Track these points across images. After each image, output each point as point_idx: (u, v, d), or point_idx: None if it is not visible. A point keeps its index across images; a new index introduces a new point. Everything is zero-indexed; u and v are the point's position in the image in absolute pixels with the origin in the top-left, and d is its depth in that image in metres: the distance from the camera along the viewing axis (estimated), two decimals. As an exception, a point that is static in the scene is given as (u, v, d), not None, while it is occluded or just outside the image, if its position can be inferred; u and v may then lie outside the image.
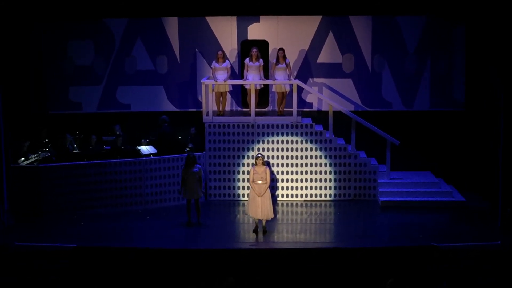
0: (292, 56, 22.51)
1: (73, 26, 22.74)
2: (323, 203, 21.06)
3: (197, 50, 22.93)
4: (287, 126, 21.18)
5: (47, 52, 22.82)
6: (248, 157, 21.18)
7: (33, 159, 20.23)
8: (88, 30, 22.83)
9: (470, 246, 16.70)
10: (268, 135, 21.22)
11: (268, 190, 18.05)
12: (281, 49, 21.44)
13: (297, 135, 21.18)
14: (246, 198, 20.24)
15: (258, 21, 22.84)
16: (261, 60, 21.49)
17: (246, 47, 22.38)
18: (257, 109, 21.46)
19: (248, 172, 18.60)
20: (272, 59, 22.26)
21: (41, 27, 22.62)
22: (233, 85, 22.05)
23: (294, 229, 19.02)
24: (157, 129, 21.92)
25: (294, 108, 21.18)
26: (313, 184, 21.25)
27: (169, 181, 20.68)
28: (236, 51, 22.89)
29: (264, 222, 18.18)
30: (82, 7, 22.30)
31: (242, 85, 22.12)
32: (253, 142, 21.24)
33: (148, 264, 16.56)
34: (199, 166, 18.96)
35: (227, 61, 21.83)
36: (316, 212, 20.36)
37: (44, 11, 22.30)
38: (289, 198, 21.32)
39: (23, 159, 20.16)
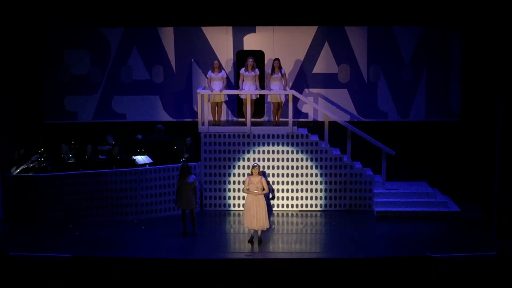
0: (288, 66, 22.54)
1: (69, 35, 22.75)
2: (318, 213, 21.05)
3: (193, 60, 22.95)
4: (282, 136, 21.19)
5: (44, 61, 22.82)
6: (243, 167, 21.17)
7: (24, 167, 20.20)
8: (84, 39, 22.84)
9: (465, 256, 16.70)
10: (263, 145, 21.22)
11: (264, 200, 18.04)
12: (277, 59, 21.46)
13: (292, 145, 21.18)
14: (241, 208, 20.23)
15: (254, 31, 22.88)
16: (256, 70, 21.52)
17: (242, 57, 22.42)
18: (252, 119, 21.48)
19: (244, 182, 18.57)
20: (267, 69, 22.27)
21: (38, 37, 22.61)
22: (228, 95, 22.07)
23: (289, 239, 18.99)
24: (152, 138, 21.89)
25: (290, 118, 21.19)
26: (309, 194, 21.24)
27: (164, 191, 20.67)
28: (232, 61, 22.91)
29: (259, 232, 18.17)
30: (78, 16, 22.33)
31: (237, 95, 22.12)
32: (248, 152, 21.24)
33: (143, 274, 16.52)
34: (194, 176, 18.95)
35: (223, 71, 21.85)
36: (311, 222, 20.34)
37: (41, 20, 22.34)
38: (285, 208, 21.31)
39: (15, 167, 20.13)
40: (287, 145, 21.19)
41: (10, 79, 20.52)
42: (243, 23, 22.66)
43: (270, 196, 20.87)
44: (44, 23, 22.56)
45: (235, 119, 22.96)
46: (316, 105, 22.45)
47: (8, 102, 19.59)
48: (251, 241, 18.16)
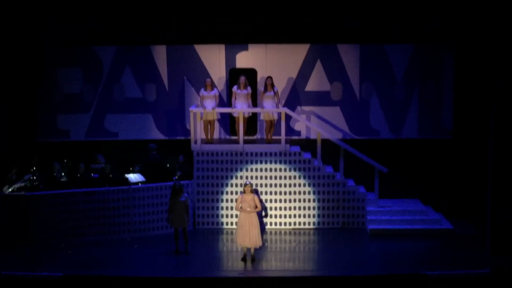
0: (280, 84, 22.57)
1: (62, 54, 22.75)
2: (311, 231, 21.02)
3: (185, 78, 22.97)
4: (275, 154, 21.18)
5: (36, 79, 22.79)
6: (236, 185, 21.14)
7: (16, 186, 20.12)
8: (76, 58, 22.84)
9: (459, 274, 16.68)
10: (256, 163, 21.21)
11: (257, 218, 18.01)
12: (269, 77, 21.50)
13: (285, 163, 21.17)
14: (234, 226, 20.19)
15: (247, 49, 22.92)
16: (249, 88, 21.54)
17: (235, 75, 22.44)
18: (245, 137, 21.47)
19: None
20: (260, 87, 22.30)
21: (30, 55, 22.59)
22: (221, 113, 22.06)
23: (282, 257, 18.96)
24: (145, 157, 21.85)
25: (283, 136, 21.19)
26: (302, 212, 21.22)
27: (157, 209, 20.61)
28: (225, 79, 22.94)
29: (252, 250, 18.13)
30: (71, 35, 22.34)
31: (230, 113, 22.12)
32: (241, 170, 21.22)
33: (136, 292, 16.49)
34: (186, 194, 18.92)
35: (215, 89, 21.86)
36: (304, 240, 20.31)
37: (33, 38, 22.34)
38: (278, 226, 21.28)
39: (7, 186, 20.06)
40: (280, 163, 21.18)
41: (2, 97, 20.51)
42: (236, 41, 22.71)
43: (263, 214, 20.83)
44: (37, 41, 22.55)
45: (227, 137, 22.96)
46: (308, 123, 22.47)
47: (0, 120, 19.57)
48: (244, 259, 18.12)
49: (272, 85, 21.43)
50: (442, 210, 21.63)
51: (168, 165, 22.07)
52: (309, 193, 21.20)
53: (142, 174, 21.09)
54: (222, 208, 21.29)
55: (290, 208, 21.23)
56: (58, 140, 22.98)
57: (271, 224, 21.26)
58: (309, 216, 21.23)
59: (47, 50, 22.71)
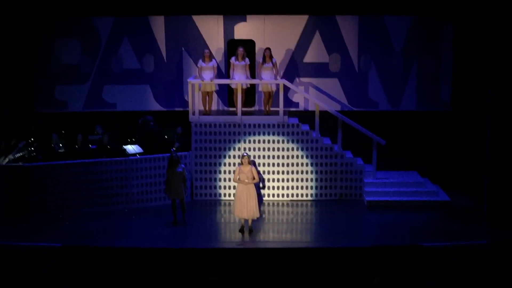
0: (279, 56, 22.50)
1: (59, 25, 22.66)
2: (309, 203, 21.06)
3: (183, 49, 22.90)
4: (273, 125, 21.16)
5: (34, 50, 22.72)
6: (234, 157, 21.15)
7: (12, 156, 20.11)
8: (74, 28, 22.76)
9: (455, 245, 16.73)
10: (254, 134, 21.20)
11: (254, 189, 18.03)
12: (268, 49, 21.42)
13: (283, 134, 21.17)
14: (232, 197, 20.21)
15: (245, 20, 22.84)
16: (247, 59, 21.47)
17: (233, 46, 22.36)
18: (243, 109, 21.43)
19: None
20: (258, 58, 22.24)
21: (28, 26, 22.50)
22: (219, 85, 22.01)
23: (280, 228, 19.00)
24: (143, 129, 21.82)
25: (281, 108, 21.17)
26: (299, 183, 21.24)
27: (155, 180, 20.63)
28: (223, 51, 22.87)
29: (250, 221, 18.17)
30: (68, 6, 22.24)
31: (228, 85, 22.08)
32: (239, 141, 21.22)
33: (134, 263, 16.51)
34: (183, 166, 18.93)
35: (213, 60, 21.80)
36: (302, 212, 20.35)
37: (31, 9, 22.23)
38: (275, 198, 21.31)
39: (3, 157, 20.04)
40: (278, 134, 21.17)
41: (0, 69, 20.46)
42: (234, 12, 22.61)
43: (261, 185, 20.87)
44: (34, 12, 22.44)
45: (225, 108, 22.93)
46: (307, 95, 22.44)
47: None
48: (241, 230, 18.17)
49: (271, 57, 21.36)
50: (440, 182, 21.64)
51: (166, 136, 22.06)
52: (307, 164, 21.21)
53: (140, 146, 21.08)
54: (220, 180, 21.30)
55: (287, 180, 21.25)
56: (56, 111, 22.94)
57: (268, 195, 21.30)
58: (306, 187, 21.26)
59: (44, 21, 22.60)
